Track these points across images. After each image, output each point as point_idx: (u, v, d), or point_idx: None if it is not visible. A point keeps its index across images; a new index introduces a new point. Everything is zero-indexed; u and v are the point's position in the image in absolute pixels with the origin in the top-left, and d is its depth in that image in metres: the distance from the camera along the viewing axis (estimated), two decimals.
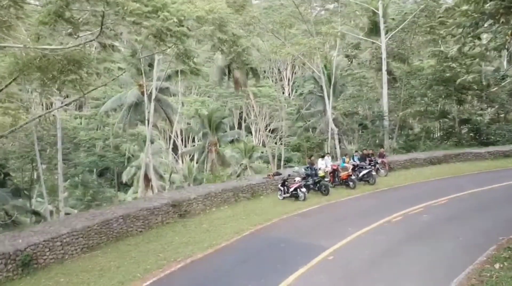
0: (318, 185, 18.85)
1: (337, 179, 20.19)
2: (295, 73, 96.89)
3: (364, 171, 20.36)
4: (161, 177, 49.86)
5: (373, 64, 33.46)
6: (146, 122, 26.65)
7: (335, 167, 20.43)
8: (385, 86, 29.16)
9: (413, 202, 16.52)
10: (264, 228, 14.49)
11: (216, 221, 15.69)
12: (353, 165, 21.08)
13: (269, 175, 20.55)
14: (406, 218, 14.68)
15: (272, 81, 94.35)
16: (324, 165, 21.80)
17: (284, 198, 18.38)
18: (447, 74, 26.87)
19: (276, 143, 65.02)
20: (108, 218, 14.44)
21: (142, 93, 31.77)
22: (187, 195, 17.37)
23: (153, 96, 22.66)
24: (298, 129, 47.36)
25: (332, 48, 33.96)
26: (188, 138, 68.93)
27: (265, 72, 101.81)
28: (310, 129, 40.05)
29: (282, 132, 33.08)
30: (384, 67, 28.98)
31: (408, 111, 29.71)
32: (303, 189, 17.94)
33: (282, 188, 18.48)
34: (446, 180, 21.45)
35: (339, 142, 30.99)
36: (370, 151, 23.69)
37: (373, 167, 21.68)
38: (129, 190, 53.74)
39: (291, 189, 18.09)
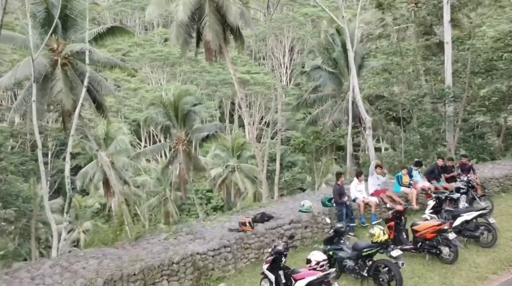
0: (369, 264, 7.15)
1: (404, 236, 8.43)
2: (294, 60, 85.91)
3: (467, 216, 8.60)
4: (125, 182, 39.76)
5: (414, 21, 21.75)
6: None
7: (400, 208, 8.59)
8: (448, 47, 17.40)
9: None
10: None
11: None
12: (435, 195, 9.39)
13: (244, 223, 8.74)
14: None
15: (268, 68, 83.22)
16: (361, 193, 10.22)
17: None
18: None
19: (272, 138, 53.54)
20: None
21: (55, 62, 19.87)
22: None
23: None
24: (297, 122, 35.97)
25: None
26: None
27: (260, 58, 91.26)
28: (312, 122, 27.99)
29: (278, 124, 21.49)
30: (447, 15, 17.18)
31: (494, 88, 17.81)
32: None
33: (273, 278, 6.76)
34: None
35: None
36: (450, 163, 11.93)
37: (466, 195, 10.14)
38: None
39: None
